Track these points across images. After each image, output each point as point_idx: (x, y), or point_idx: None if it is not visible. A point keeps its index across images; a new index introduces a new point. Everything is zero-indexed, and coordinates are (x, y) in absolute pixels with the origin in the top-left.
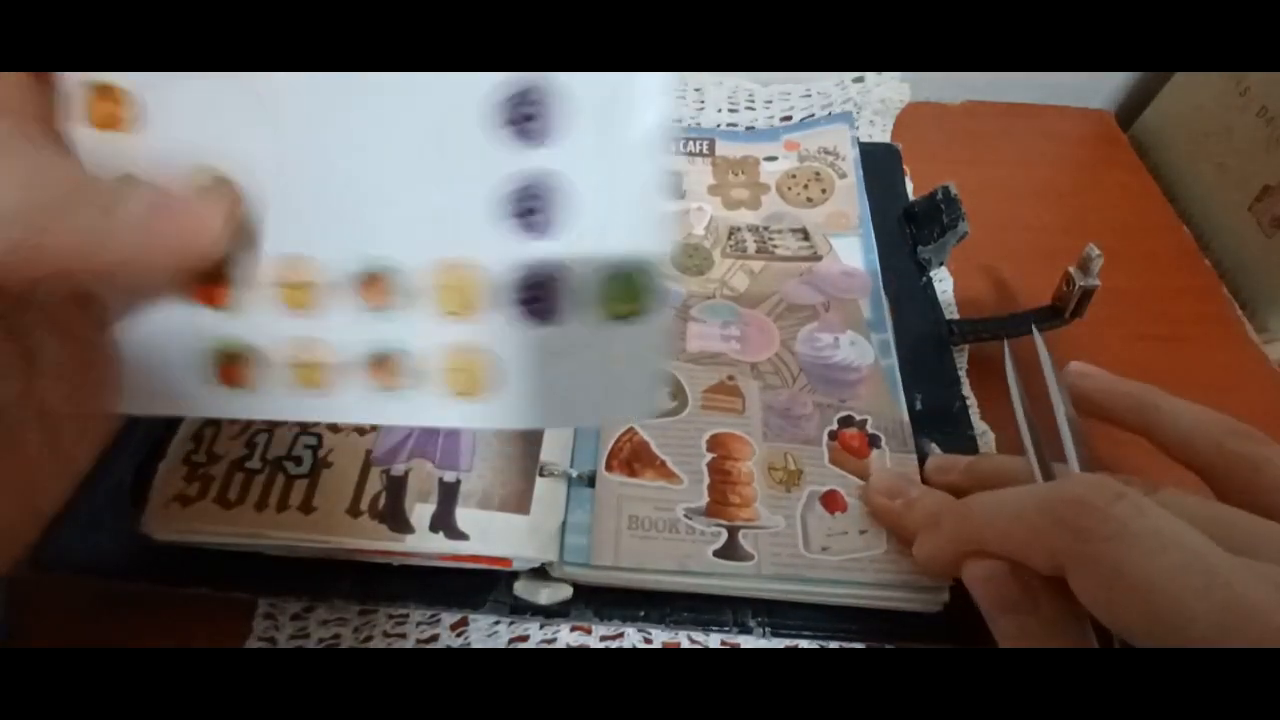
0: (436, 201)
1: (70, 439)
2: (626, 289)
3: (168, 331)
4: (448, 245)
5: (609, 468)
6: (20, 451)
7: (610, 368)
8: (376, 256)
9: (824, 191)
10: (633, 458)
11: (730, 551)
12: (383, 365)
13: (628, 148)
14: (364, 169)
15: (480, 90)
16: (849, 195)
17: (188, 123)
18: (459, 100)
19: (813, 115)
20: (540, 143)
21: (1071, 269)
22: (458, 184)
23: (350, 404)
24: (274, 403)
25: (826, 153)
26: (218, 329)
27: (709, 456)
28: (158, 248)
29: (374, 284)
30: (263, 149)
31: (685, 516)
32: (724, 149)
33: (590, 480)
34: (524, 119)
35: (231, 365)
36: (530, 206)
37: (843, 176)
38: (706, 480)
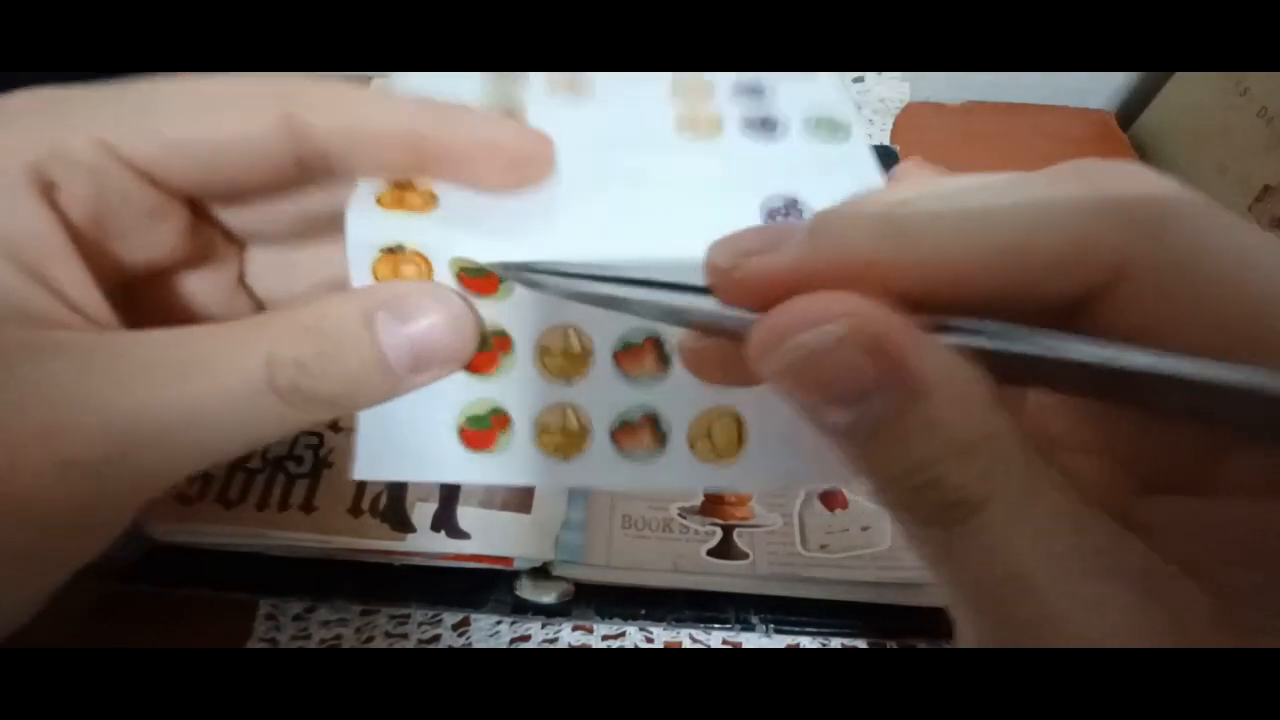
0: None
1: None
2: None
3: (414, 398)
4: None
5: None
6: None
7: None
8: (642, 327)
9: None
10: None
11: (725, 550)
12: (631, 432)
13: None
14: (637, 245)
15: (756, 200)
16: None
17: (472, 211)
18: (736, 208)
19: None
20: None
21: None
22: None
23: (592, 470)
24: (513, 468)
25: None
26: (469, 393)
27: None
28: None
29: (637, 353)
30: (538, 237)
31: (679, 515)
32: None
33: None
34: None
35: (476, 430)
36: None
37: None
38: None
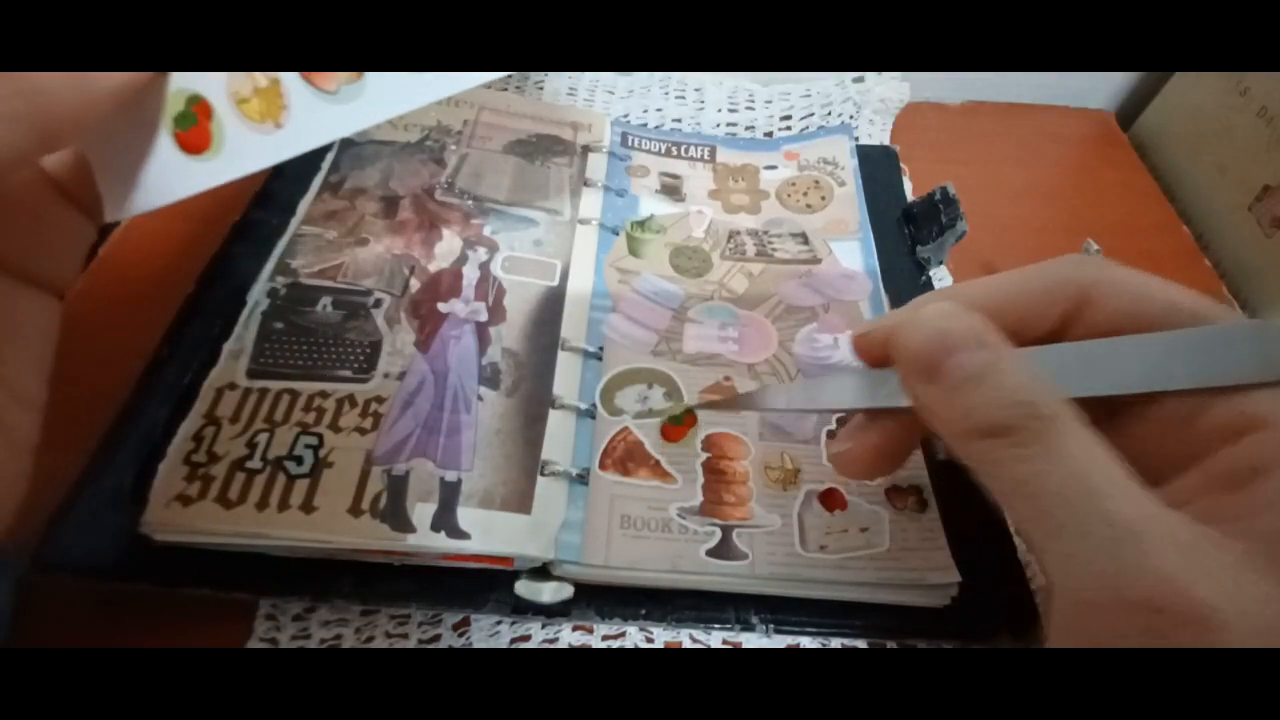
0: None
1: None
2: None
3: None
4: None
5: (603, 467)
6: None
7: None
8: None
9: (823, 199)
10: (626, 457)
11: (724, 551)
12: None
13: None
14: None
15: None
16: (848, 202)
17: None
18: None
19: (812, 114)
20: None
21: None
22: None
23: (305, 125)
24: (238, 156)
25: (826, 162)
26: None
27: (704, 456)
28: None
29: None
30: None
31: (678, 516)
32: (725, 156)
33: (585, 478)
34: None
35: (187, 130)
36: None
37: (842, 185)
38: (701, 480)
